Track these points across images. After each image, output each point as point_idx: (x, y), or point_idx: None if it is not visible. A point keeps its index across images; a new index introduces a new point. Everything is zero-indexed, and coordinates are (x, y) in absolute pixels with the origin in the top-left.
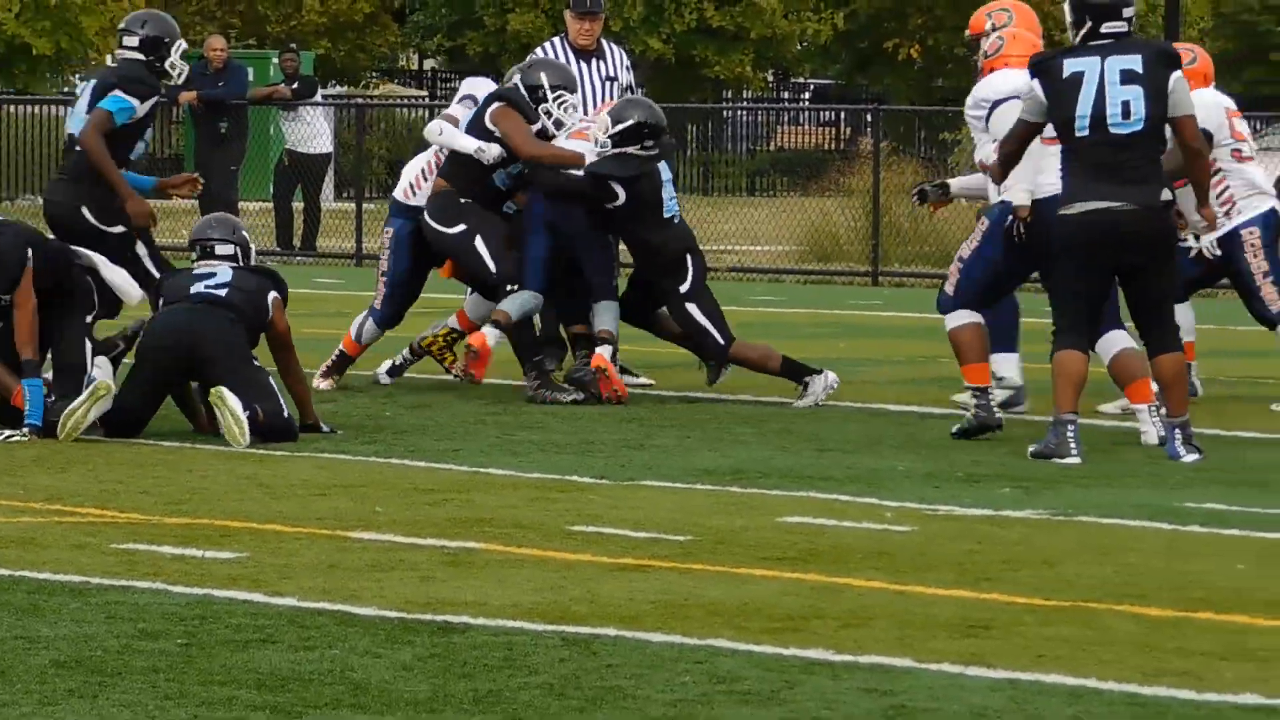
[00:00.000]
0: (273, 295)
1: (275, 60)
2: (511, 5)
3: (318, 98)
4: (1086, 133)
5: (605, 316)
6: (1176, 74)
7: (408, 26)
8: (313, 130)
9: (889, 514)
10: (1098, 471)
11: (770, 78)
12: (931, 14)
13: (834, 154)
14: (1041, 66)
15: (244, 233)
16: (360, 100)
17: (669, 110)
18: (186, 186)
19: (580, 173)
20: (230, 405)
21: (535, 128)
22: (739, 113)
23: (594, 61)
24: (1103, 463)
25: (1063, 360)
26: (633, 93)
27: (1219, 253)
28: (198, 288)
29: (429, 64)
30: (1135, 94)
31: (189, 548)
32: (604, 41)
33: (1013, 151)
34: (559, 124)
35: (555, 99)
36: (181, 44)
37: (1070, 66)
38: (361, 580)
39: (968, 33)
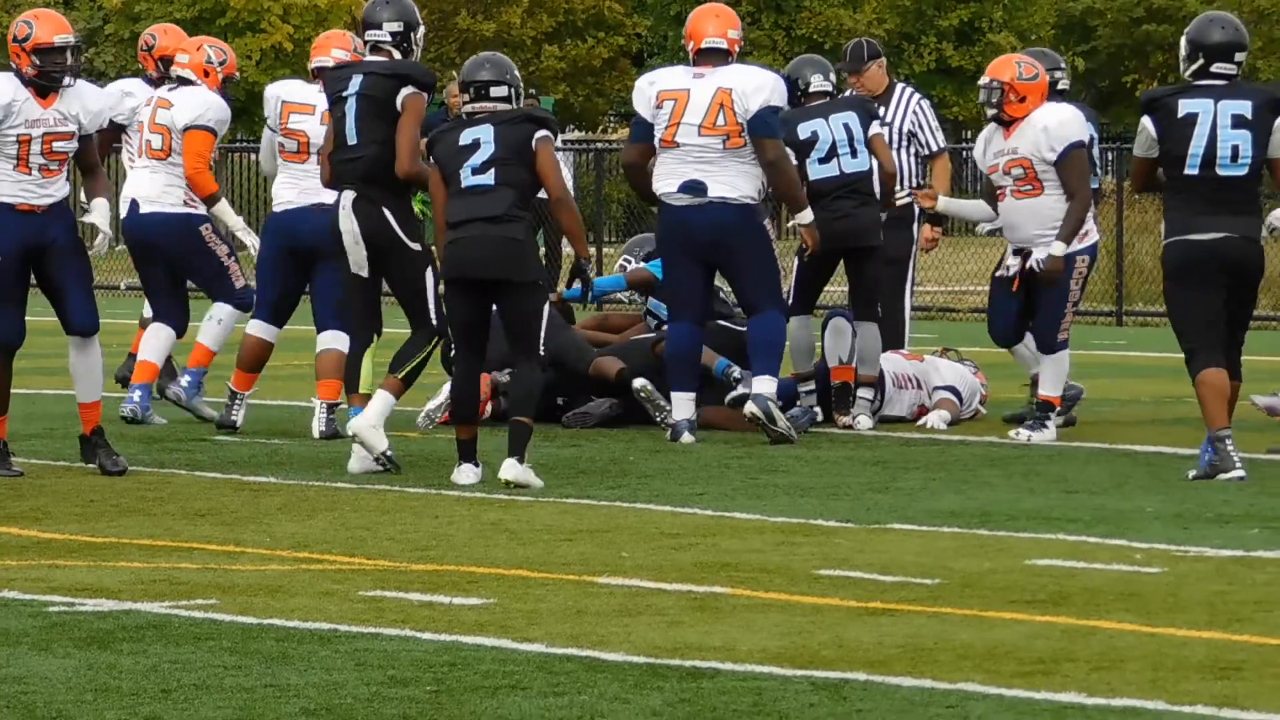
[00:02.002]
0: (539, 135)
1: None
2: (749, 49)
3: (557, 143)
4: (1196, 172)
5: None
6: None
7: (646, 69)
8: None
9: (1138, 555)
10: None
11: None
12: (1173, 51)
13: None
14: (1155, 104)
15: (515, 72)
16: (599, 145)
17: None
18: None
19: None
20: None
21: None
22: None
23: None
24: None
25: (1206, 379)
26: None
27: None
28: (469, 179)
29: None
30: (1244, 138)
31: (436, 594)
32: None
33: (1143, 188)
34: None
35: None
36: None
37: (1185, 107)
38: (608, 625)
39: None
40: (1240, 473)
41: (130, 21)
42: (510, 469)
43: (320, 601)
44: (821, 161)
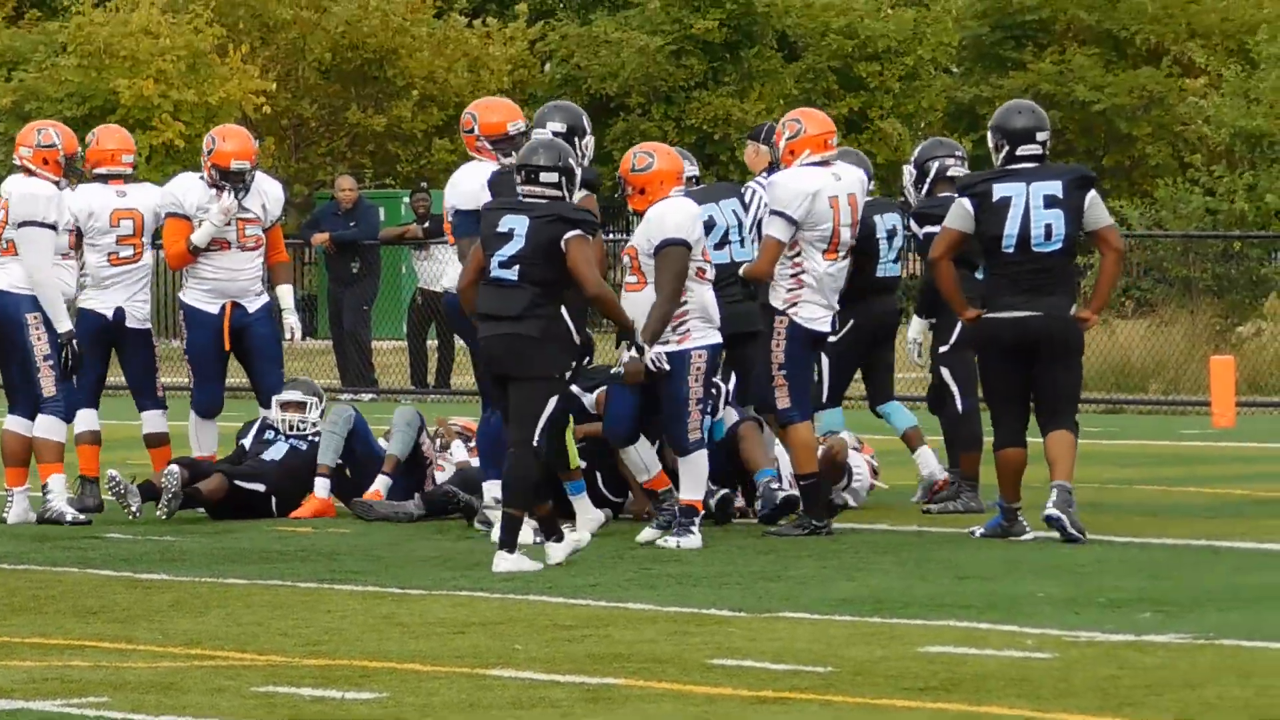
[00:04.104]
0: (569, 235)
1: (406, 200)
2: (638, 140)
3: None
4: (1012, 251)
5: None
6: (1091, 194)
7: None
8: (445, 269)
9: (1030, 640)
10: (1239, 594)
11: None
12: (1063, 137)
13: None
14: (971, 189)
15: (570, 160)
16: None
17: None
18: None
19: None
20: None
21: None
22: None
23: None
24: (1243, 585)
25: (1002, 456)
26: None
27: (666, 367)
28: (497, 272)
29: None
30: (1056, 217)
31: (329, 689)
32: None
33: (943, 255)
34: None
35: None
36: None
37: (999, 191)
38: (502, 718)
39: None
40: (1030, 535)
41: (19, 120)
42: (500, 561)
43: (213, 698)
44: (717, 247)
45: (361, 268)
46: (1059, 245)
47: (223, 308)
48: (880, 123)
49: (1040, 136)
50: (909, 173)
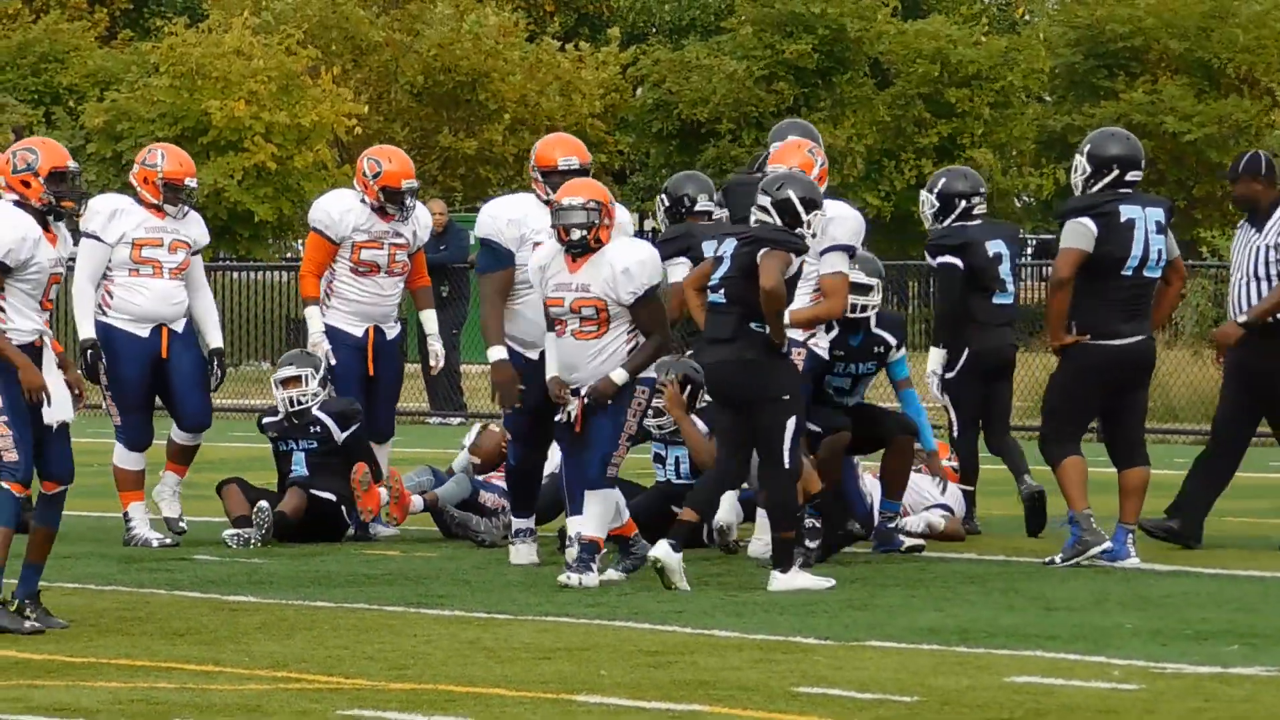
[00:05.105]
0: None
1: None
2: (729, 167)
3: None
4: (1130, 274)
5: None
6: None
7: (627, 187)
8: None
9: (1116, 672)
10: None
11: None
12: (1155, 167)
13: None
14: (1097, 209)
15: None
16: None
17: (889, 265)
18: None
19: None
20: None
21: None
22: None
23: None
24: None
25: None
26: None
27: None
28: None
29: (648, 224)
30: (1161, 243)
31: (414, 713)
32: None
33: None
34: None
35: None
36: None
37: (1126, 212)
38: None
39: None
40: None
41: (111, 141)
42: (774, 582)
43: None
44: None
45: (450, 291)
46: (1159, 271)
47: (366, 331)
48: (972, 150)
49: (1142, 164)
50: (930, 202)
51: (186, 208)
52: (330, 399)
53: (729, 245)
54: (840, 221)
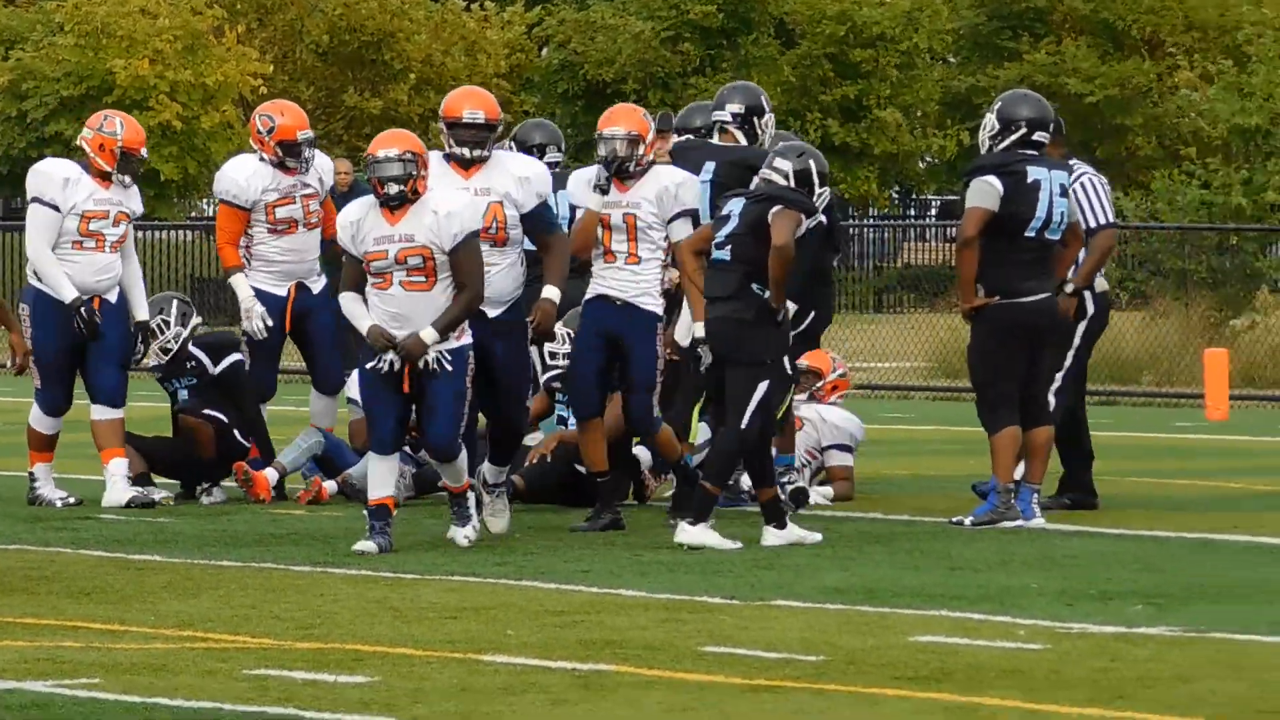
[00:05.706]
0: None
1: None
2: None
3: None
4: (1034, 236)
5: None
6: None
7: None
8: None
9: (1022, 632)
10: (1231, 588)
11: (895, 195)
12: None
13: None
14: (1005, 168)
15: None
16: None
17: None
18: None
19: None
20: None
21: None
22: (865, 230)
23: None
24: (1236, 579)
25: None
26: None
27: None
28: None
29: None
30: (1063, 205)
31: (321, 672)
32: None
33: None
34: None
35: None
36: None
37: (1033, 173)
38: (494, 704)
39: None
40: (1039, 521)
41: (16, 99)
42: (683, 533)
43: (204, 680)
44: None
45: None
46: (1059, 235)
47: (288, 290)
48: (879, 112)
49: (1050, 126)
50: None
51: (130, 179)
52: (209, 332)
53: (736, 204)
54: (688, 186)
